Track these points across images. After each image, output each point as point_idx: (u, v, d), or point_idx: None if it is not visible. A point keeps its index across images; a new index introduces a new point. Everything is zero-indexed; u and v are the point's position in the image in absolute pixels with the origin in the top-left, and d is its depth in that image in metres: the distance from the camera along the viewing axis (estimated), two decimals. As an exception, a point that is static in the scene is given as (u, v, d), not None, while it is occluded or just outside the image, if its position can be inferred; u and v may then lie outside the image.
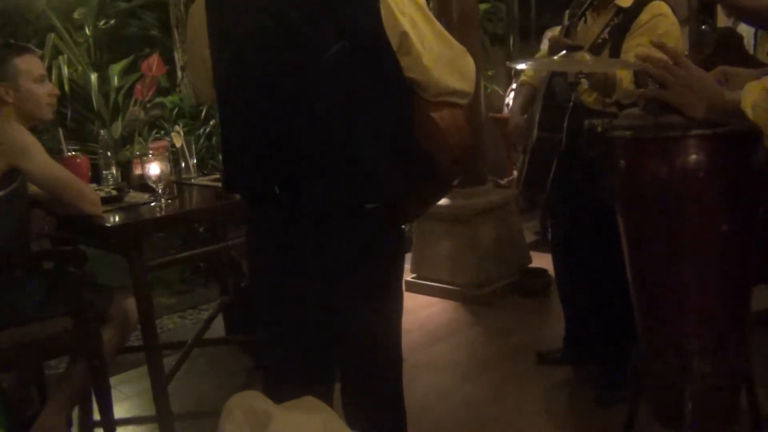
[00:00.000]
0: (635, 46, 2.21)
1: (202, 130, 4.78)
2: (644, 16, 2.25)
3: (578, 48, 1.92)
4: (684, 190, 1.43)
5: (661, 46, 1.39)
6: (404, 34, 1.38)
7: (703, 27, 2.69)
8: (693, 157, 1.42)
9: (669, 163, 1.43)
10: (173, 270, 4.43)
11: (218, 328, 3.17)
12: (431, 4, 3.57)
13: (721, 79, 1.47)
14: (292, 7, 1.36)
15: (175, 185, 2.46)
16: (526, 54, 5.52)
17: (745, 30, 2.95)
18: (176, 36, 5.09)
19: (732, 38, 2.41)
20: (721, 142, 1.41)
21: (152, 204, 2.26)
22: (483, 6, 5.99)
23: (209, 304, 3.88)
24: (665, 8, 2.27)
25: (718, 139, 1.40)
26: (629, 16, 2.29)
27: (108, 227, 2.07)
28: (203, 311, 3.96)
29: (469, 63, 1.52)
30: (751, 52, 2.77)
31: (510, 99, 3.92)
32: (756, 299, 1.63)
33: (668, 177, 1.43)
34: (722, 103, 1.27)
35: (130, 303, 2.21)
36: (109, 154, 2.69)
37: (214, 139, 4.64)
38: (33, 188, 2.16)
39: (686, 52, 2.83)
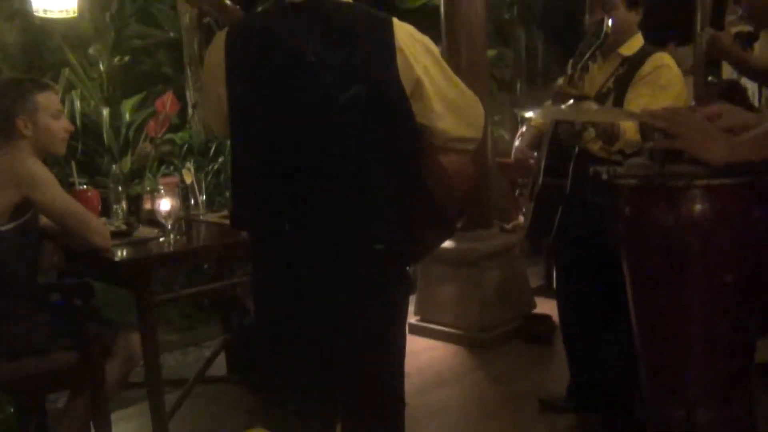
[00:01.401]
0: (637, 96, 2.25)
1: (210, 167, 4.82)
2: (647, 67, 2.30)
3: (585, 98, 1.95)
4: (689, 240, 1.44)
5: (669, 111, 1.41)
6: (418, 82, 1.42)
7: (709, 78, 2.73)
8: (698, 206, 1.43)
9: (674, 213, 1.44)
10: (175, 306, 4.42)
11: (220, 366, 3.16)
12: (440, 50, 3.64)
13: (719, 113, 1.47)
14: (310, 50, 1.40)
15: (183, 221, 2.48)
16: (533, 100, 5.60)
17: (751, 82, 3.01)
18: (188, 74, 5.18)
19: (735, 91, 2.45)
20: (726, 193, 1.42)
21: (161, 239, 2.28)
22: (490, 52, 6.08)
23: (211, 342, 3.86)
24: (668, 59, 2.32)
25: (724, 189, 1.41)
26: (633, 65, 2.33)
27: (116, 261, 2.09)
28: (205, 348, 3.93)
29: (479, 111, 1.56)
30: (756, 104, 2.81)
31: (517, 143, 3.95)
32: (760, 350, 1.63)
33: (673, 226, 1.44)
34: (743, 141, 1.26)
35: (135, 338, 2.21)
36: (119, 188, 2.72)
37: (222, 176, 4.69)
38: (43, 220, 2.19)
39: (691, 103, 2.87)
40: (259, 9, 1.57)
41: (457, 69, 3.47)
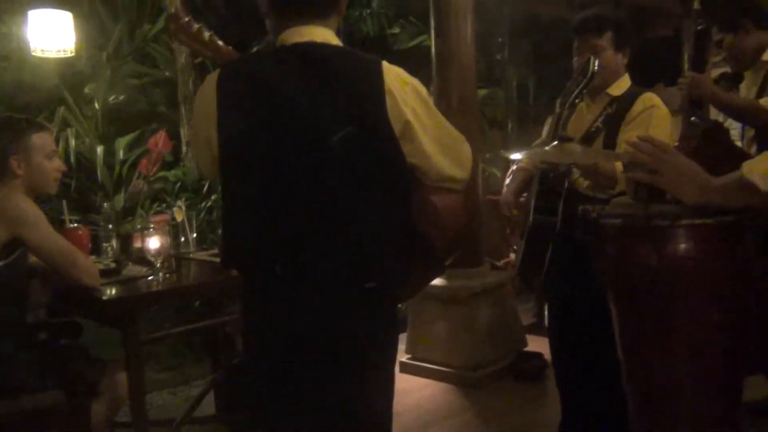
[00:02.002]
0: (629, 138, 2.28)
1: (203, 205, 4.84)
2: (637, 107, 2.33)
3: (569, 139, 1.98)
4: (674, 279, 1.45)
5: (648, 140, 1.44)
6: (407, 123, 1.45)
7: (692, 119, 2.78)
8: (682, 246, 1.44)
9: (658, 252, 1.45)
10: (165, 344, 4.39)
11: (209, 406, 3.12)
12: (431, 88, 3.69)
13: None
14: (301, 91, 1.43)
15: (173, 259, 2.48)
16: (524, 139, 5.67)
17: (735, 123, 3.06)
18: (183, 112, 5.24)
19: (718, 131, 2.49)
20: (710, 232, 1.43)
21: (150, 278, 2.28)
22: (482, 91, 6.18)
23: (201, 381, 3.83)
24: (657, 100, 2.36)
25: (708, 228, 1.43)
26: (622, 105, 2.37)
27: (104, 300, 2.08)
28: (194, 388, 3.89)
29: (467, 151, 1.59)
30: (739, 143, 2.85)
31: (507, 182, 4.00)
32: (749, 389, 1.63)
33: (658, 266, 1.45)
34: (717, 185, 1.29)
35: (122, 377, 2.19)
36: (110, 226, 2.73)
37: (215, 213, 4.70)
38: (32, 258, 2.19)
39: (675, 143, 2.91)
40: (253, 50, 1.60)
41: (448, 108, 3.60)
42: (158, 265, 2.27)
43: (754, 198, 1.16)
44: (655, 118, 2.31)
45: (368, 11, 6.44)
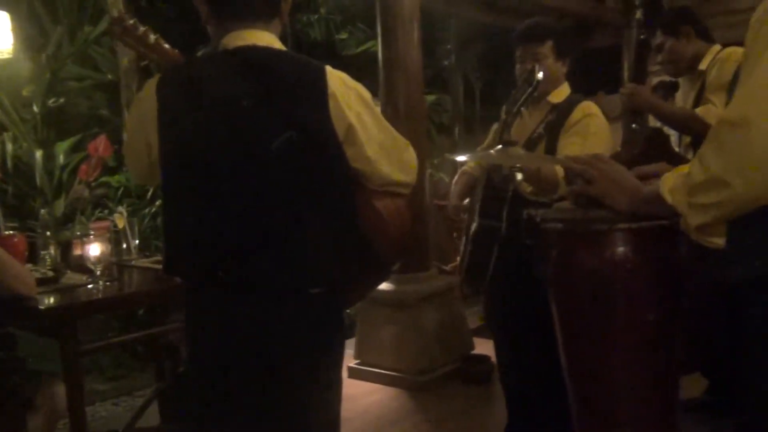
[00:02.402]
0: (569, 144, 2.34)
1: (147, 210, 4.75)
2: (576, 115, 2.39)
3: (513, 143, 2.02)
4: (612, 282, 1.49)
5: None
6: (351, 127, 1.45)
7: (633, 126, 2.87)
8: (620, 249, 1.48)
9: (597, 255, 1.49)
10: (108, 354, 4.28)
11: (153, 416, 3.05)
12: (380, 95, 3.71)
13: (646, 174, 1.56)
14: (243, 95, 1.41)
15: (115, 267, 2.43)
16: (471, 143, 5.74)
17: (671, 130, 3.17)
18: (126, 116, 5.11)
19: (659, 138, 2.58)
20: (645, 236, 1.47)
21: (89, 286, 2.22)
22: (429, 97, 6.24)
23: (145, 391, 3.74)
24: (595, 108, 2.43)
25: (643, 232, 1.47)
26: (562, 113, 2.42)
27: (41, 309, 2.02)
28: (139, 398, 3.81)
29: (411, 155, 1.60)
30: (677, 149, 2.95)
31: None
32: (685, 387, 1.68)
33: (597, 268, 1.49)
34: (642, 195, 1.35)
35: (60, 390, 2.12)
36: (48, 233, 2.64)
37: (159, 219, 4.61)
38: (-35, 268, 2.10)
39: (618, 149, 2.99)
40: (199, 54, 1.58)
41: (395, 113, 3.62)
42: (98, 273, 2.21)
43: (666, 209, 1.23)
44: (593, 125, 2.38)
45: (316, 16, 6.44)
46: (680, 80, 2.98)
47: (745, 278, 1.16)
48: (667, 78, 3.06)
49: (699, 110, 2.64)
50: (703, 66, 2.80)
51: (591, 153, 1.52)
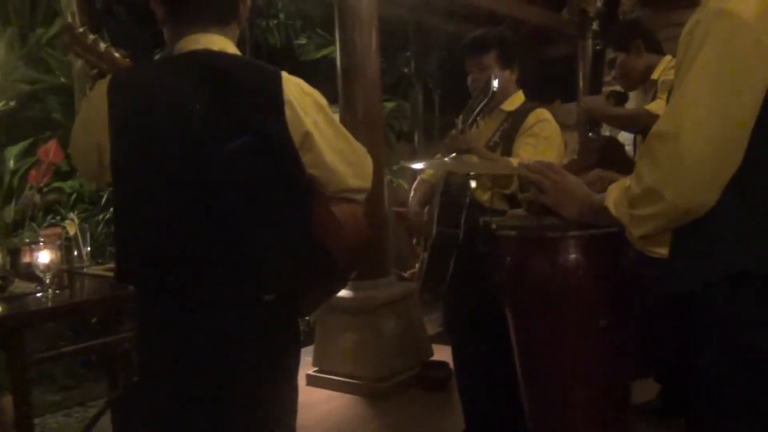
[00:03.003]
0: (524, 146, 2.39)
1: (101, 216, 4.65)
2: (530, 120, 2.45)
3: (467, 151, 2.05)
4: (564, 288, 1.51)
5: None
6: (307, 134, 1.45)
7: (590, 135, 2.94)
8: (572, 256, 1.51)
9: (550, 262, 1.52)
10: (60, 363, 4.17)
11: (106, 427, 2.98)
12: (339, 101, 3.71)
13: (597, 182, 1.60)
14: (197, 99, 1.40)
15: (65, 274, 2.37)
16: (430, 151, 5.77)
17: (627, 138, 3.24)
18: (78, 118, 5.00)
19: (614, 146, 2.64)
20: (596, 243, 1.50)
21: (38, 294, 2.16)
22: (389, 104, 6.26)
23: (98, 401, 3.66)
24: (548, 114, 2.49)
25: (594, 239, 1.50)
26: (516, 120, 2.47)
27: (-15, 319, 1.95)
28: (91, 408, 3.72)
29: (368, 161, 1.60)
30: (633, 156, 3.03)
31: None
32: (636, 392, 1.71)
33: (550, 275, 1.52)
34: (591, 205, 1.38)
35: (6, 402, 2.06)
36: (-4, 240, 2.57)
37: (113, 225, 4.52)
38: None
39: (574, 157, 3.05)
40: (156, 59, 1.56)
41: (353, 120, 3.62)
42: (48, 280, 2.15)
43: (612, 220, 1.26)
44: (546, 129, 2.44)
45: (275, 22, 6.40)
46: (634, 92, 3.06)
47: (683, 290, 1.20)
48: (618, 88, 3.14)
49: (649, 106, 2.71)
50: (655, 76, 2.87)
51: (544, 161, 1.54)
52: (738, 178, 1.09)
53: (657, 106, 2.63)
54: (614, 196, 1.24)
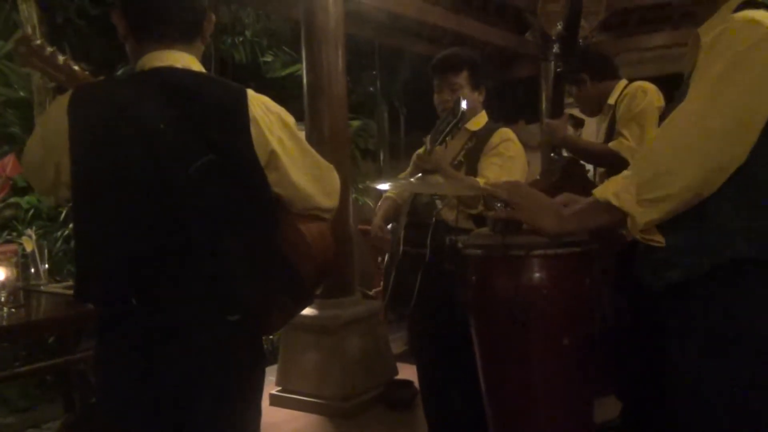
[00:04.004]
0: (488, 165, 2.41)
1: (60, 233, 4.56)
2: (495, 139, 2.47)
3: (432, 172, 2.05)
4: (529, 306, 1.52)
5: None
6: (273, 153, 1.44)
7: (552, 155, 2.99)
8: (536, 275, 1.53)
9: (515, 280, 1.53)
10: (14, 385, 4.05)
11: (61, 450, 2.90)
12: (304, 119, 3.70)
13: (565, 203, 1.62)
14: (161, 117, 1.38)
15: (22, 292, 2.31)
16: (396, 169, 5.80)
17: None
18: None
19: (575, 167, 2.69)
20: (561, 262, 1.53)
21: (-7, 313, 2.10)
22: (355, 123, 6.29)
23: (54, 423, 3.56)
24: (512, 134, 2.52)
25: (558, 258, 1.52)
26: (481, 139, 2.49)
27: (-62, 338, 1.89)
28: (47, 431, 3.62)
29: (335, 179, 1.59)
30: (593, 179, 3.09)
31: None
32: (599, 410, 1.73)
33: (514, 293, 1.53)
34: (571, 213, 1.39)
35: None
36: (-52, 257, 2.49)
37: (72, 242, 4.43)
38: None
39: (537, 176, 3.10)
40: (118, 73, 1.53)
41: (320, 138, 3.61)
42: (3, 299, 2.10)
43: (606, 216, 1.29)
44: (511, 149, 2.46)
45: (241, 39, 6.39)
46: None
47: (687, 277, 1.25)
48: (575, 113, 3.22)
49: (612, 144, 2.77)
50: (611, 101, 2.94)
51: (510, 180, 1.56)
52: (743, 167, 1.18)
53: (620, 145, 2.69)
54: (615, 187, 1.27)
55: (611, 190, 1.27)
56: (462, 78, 2.50)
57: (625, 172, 1.28)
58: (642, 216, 1.23)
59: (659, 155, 1.23)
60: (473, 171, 2.45)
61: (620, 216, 1.26)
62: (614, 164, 2.74)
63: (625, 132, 2.72)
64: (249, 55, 6.37)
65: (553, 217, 1.41)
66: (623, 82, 2.95)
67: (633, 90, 2.81)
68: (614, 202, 1.25)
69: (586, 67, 3.00)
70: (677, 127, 1.23)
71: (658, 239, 1.25)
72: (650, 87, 2.78)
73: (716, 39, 1.23)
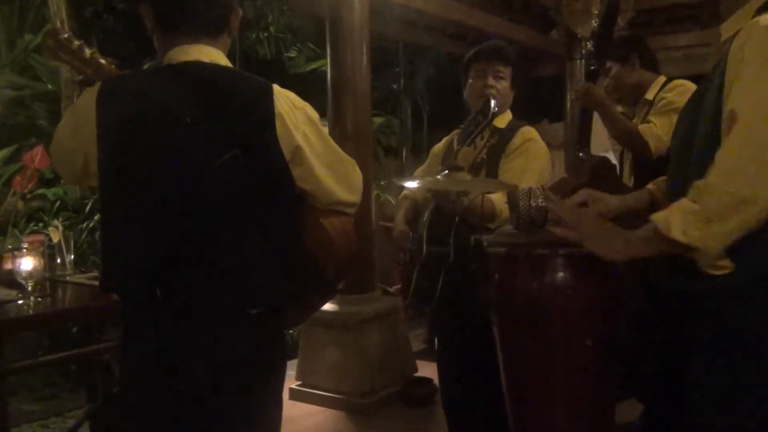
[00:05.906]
0: (511, 167, 2.38)
1: (85, 224, 4.61)
2: (517, 140, 2.43)
3: (459, 168, 2.03)
4: (552, 306, 1.51)
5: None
6: (298, 148, 1.44)
7: (580, 155, 2.91)
8: (560, 274, 1.51)
9: (538, 280, 1.52)
10: (39, 373, 4.11)
11: (83, 439, 2.94)
12: (328, 115, 3.71)
13: (587, 201, 1.60)
14: (187, 111, 1.39)
15: (48, 282, 2.34)
16: (417, 166, 5.79)
17: (613, 159, 3.25)
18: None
19: (605, 167, 2.63)
20: (585, 260, 1.50)
21: (20, 302, 2.13)
22: (378, 119, 6.28)
23: (76, 412, 3.61)
24: (535, 133, 2.48)
25: (583, 258, 1.50)
26: (504, 137, 2.46)
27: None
28: (68, 419, 3.67)
29: (358, 175, 1.59)
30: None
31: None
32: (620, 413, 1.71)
33: (538, 292, 1.51)
34: (637, 240, 1.31)
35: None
36: (-23, 246, 2.53)
37: (97, 233, 4.48)
38: None
39: (563, 175, 3.04)
40: (145, 67, 1.54)
41: (343, 134, 3.62)
42: (30, 288, 2.12)
43: (672, 248, 1.23)
44: (533, 149, 2.42)
45: (266, 34, 6.41)
46: (625, 108, 3.04)
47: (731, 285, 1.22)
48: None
49: (641, 127, 2.71)
50: (650, 96, 2.87)
51: (584, 192, 1.54)
52: None
53: (647, 129, 2.64)
54: (676, 223, 1.21)
55: (674, 225, 1.21)
56: (508, 70, 2.48)
57: (680, 203, 1.22)
58: (715, 247, 1.18)
59: (720, 183, 1.17)
60: (494, 168, 2.43)
61: (688, 249, 1.21)
62: (634, 146, 2.69)
63: (655, 120, 2.66)
64: (273, 50, 6.39)
65: (620, 244, 1.35)
66: (662, 78, 2.89)
67: (679, 84, 2.75)
68: (681, 239, 1.20)
69: (637, 49, 2.94)
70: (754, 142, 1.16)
71: (726, 264, 1.20)
72: (693, 87, 2.73)
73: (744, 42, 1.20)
